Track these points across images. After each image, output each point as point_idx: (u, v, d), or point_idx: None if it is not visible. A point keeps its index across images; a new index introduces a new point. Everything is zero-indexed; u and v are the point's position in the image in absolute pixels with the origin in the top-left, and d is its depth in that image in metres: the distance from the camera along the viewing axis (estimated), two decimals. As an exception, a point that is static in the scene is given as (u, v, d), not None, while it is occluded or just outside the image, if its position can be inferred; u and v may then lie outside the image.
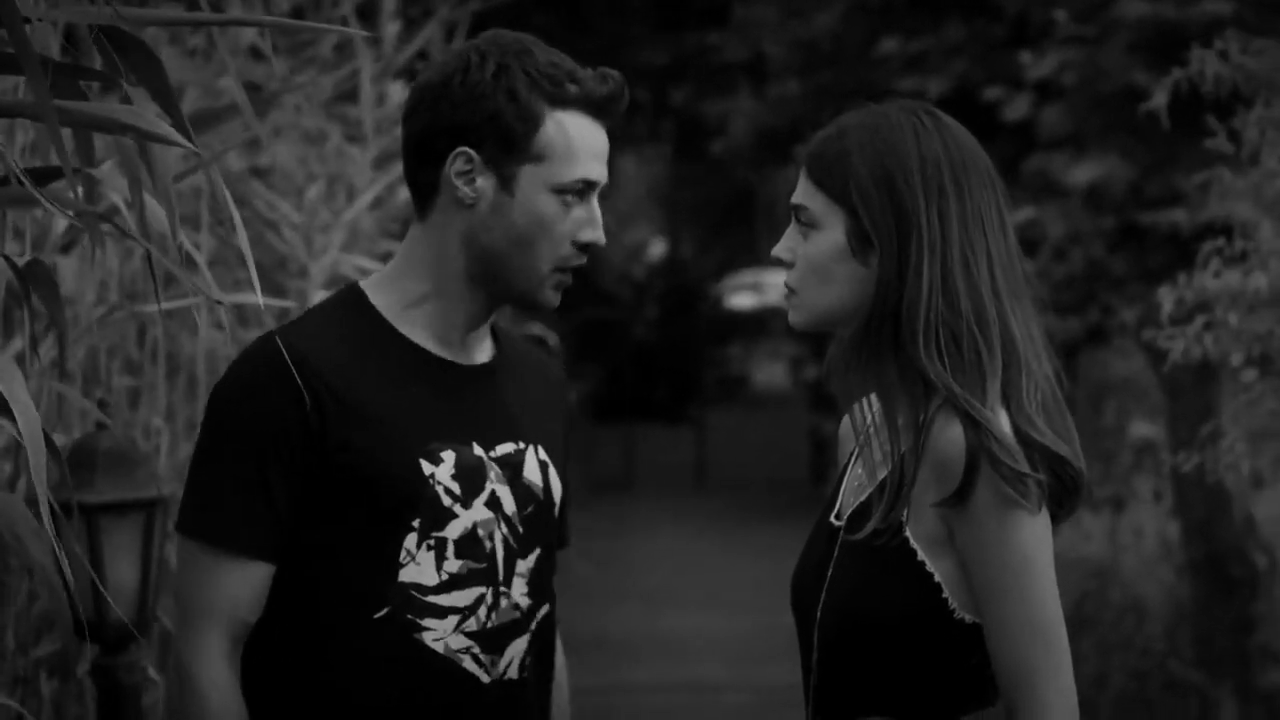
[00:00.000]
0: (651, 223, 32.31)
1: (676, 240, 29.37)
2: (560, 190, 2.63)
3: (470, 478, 2.64)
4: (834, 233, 2.56)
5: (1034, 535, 2.48)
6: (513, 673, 2.66)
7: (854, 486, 2.63)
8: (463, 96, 2.62)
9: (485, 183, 2.63)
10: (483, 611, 2.63)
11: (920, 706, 2.53)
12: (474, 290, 2.67)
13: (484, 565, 2.64)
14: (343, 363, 2.61)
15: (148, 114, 2.32)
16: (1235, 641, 6.95)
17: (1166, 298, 4.83)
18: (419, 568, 2.60)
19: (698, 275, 27.10)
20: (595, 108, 2.65)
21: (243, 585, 2.58)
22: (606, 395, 21.42)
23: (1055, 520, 2.54)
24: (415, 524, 2.61)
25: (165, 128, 2.31)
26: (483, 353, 2.73)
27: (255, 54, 5.68)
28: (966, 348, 2.51)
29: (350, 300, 2.69)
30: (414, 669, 2.60)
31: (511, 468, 2.69)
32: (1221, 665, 6.95)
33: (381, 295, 2.68)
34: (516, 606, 2.66)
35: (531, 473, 2.71)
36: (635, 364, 23.69)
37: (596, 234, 2.67)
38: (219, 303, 2.54)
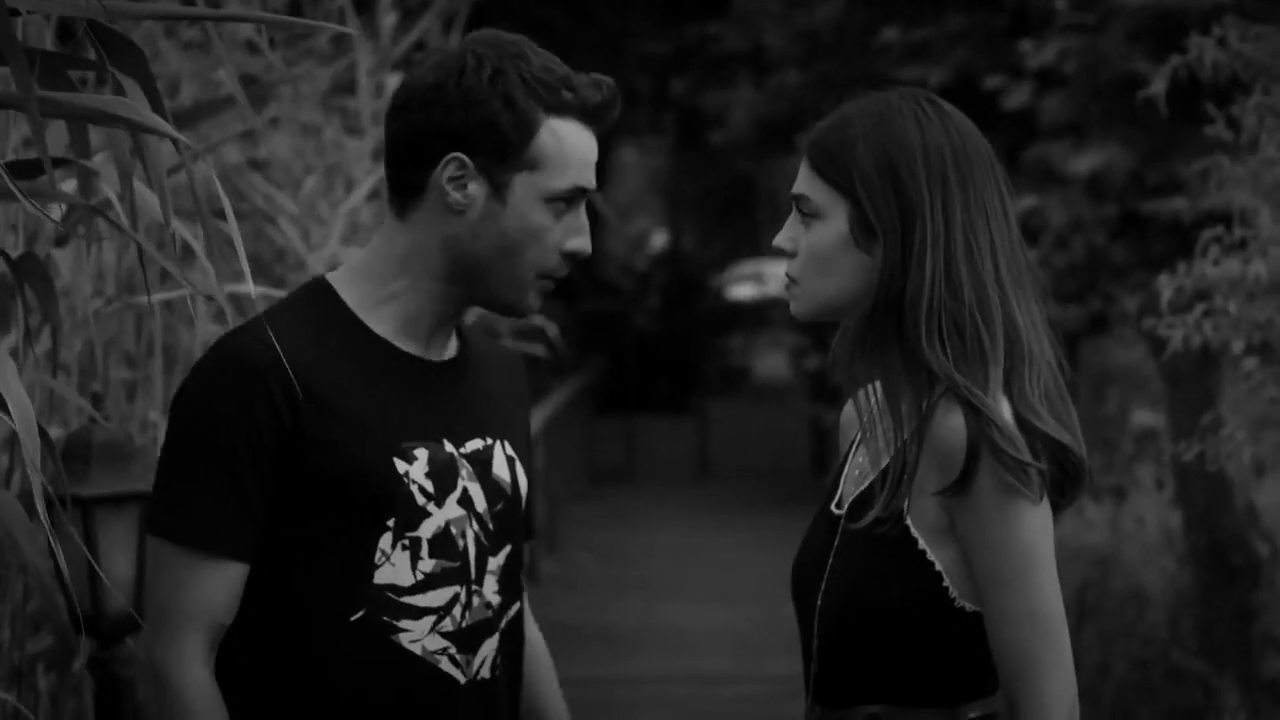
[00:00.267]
0: (653, 214, 32.33)
1: (678, 231, 29.40)
2: (553, 199, 2.60)
3: (443, 475, 2.61)
4: (837, 222, 2.56)
5: (1035, 524, 2.48)
6: (485, 672, 2.63)
7: (855, 475, 2.62)
8: (457, 100, 2.57)
9: (477, 189, 2.59)
10: (457, 611, 2.60)
11: (921, 695, 2.53)
12: (450, 291, 2.63)
13: (457, 564, 2.61)
14: (314, 359, 2.56)
15: (139, 105, 2.31)
16: (1237, 630, 6.94)
17: (1166, 286, 4.83)
18: (394, 568, 2.57)
19: (699, 266, 27.13)
20: (589, 115, 2.62)
21: (219, 587, 2.54)
22: (608, 386, 21.41)
23: (1057, 509, 2.53)
24: (390, 524, 2.57)
25: (156, 119, 2.30)
26: (449, 348, 2.69)
27: (252, 47, 5.67)
28: (969, 336, 2.51)
29: (318, 295, 2.64)
30: (393, 672, 2.57)
31: (481, 464, 2.66)
32: (1224, 654, 6.94)
33: (350, 290, 2.64)
34: (488, 605, 2.63)
35: (500, 468, 2.68)
36: (637, 355, 23.70)
37: (584, 243, 2.63)
38: (211, 297, 2.52)
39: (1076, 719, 2.50)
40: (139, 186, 2.67)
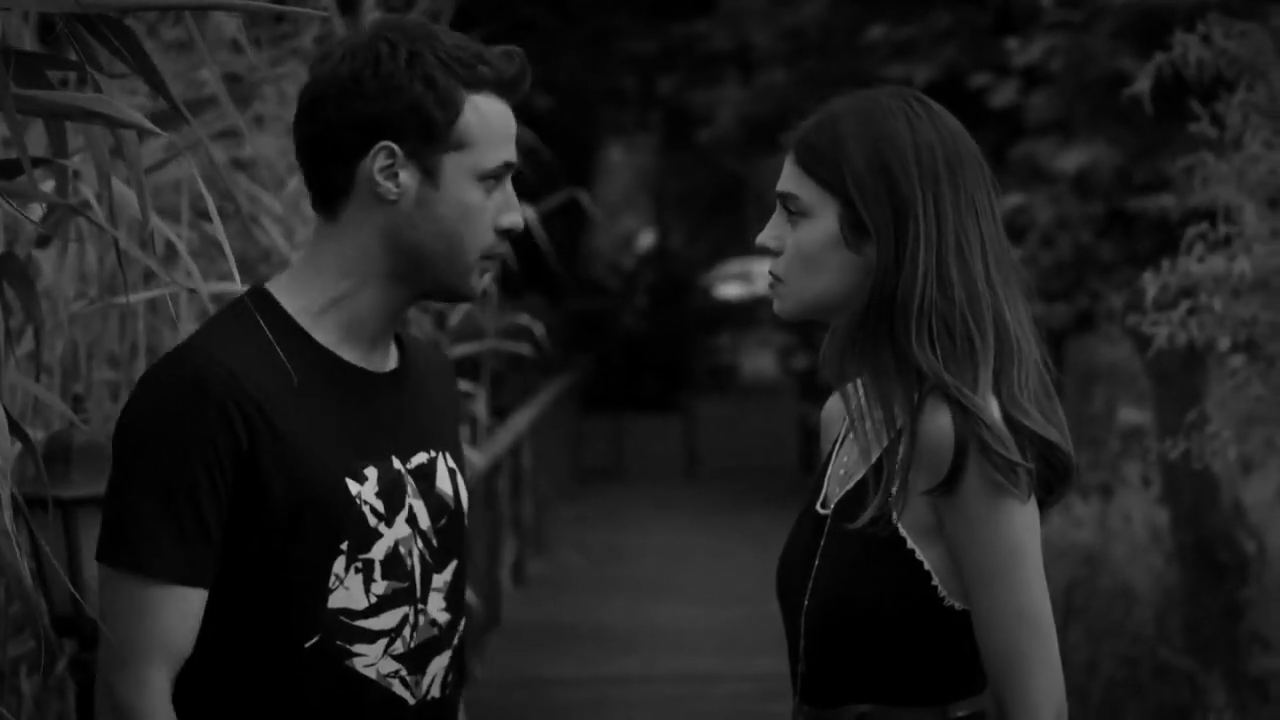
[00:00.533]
0: (640, 213, 32.32)
1: (665, 230, 29.38)
2: (484, 176, 2.55)
3: (391, 494, 2.55)
4: (826, 221, 2.54)
5: (1023, 523, 2.47)
6: (435, 691, 2.58)
7: (840, 475, 2.61)
8: (377, 89, 2.51)
9: (408, 177, 2.53)
10: (407, 632, 2.55)
11: (909, 694, 2.52)
12: (395, 288, 2.57)
13: (406, 584, 2.55)
14: (263, 376, 2.50)
15: (117, 101, 2.29)
16: (1224, 627, 6.95)
17: (1151, 283, 4.82)
18: (348, 592, 2.51)
19: (686, 265, 27.12)
20: (506, 88, 2.57)
21: (181, 616, 2.46)
22: (595, 385, 21.40)
23: (1044, 506, 2.53)
24: (344, 547, 2.51)
25: (134, 114, 2.28)
26: (391, 357, 2.63)
27: (236, 47, 5.66)
28: (959, 336, 2.50)
29: (259, 306, 2.56)
30: (347, 698, 2.51)
31: (425, 479, 2.60)
32: (1211, 651, 6.95)
33: (292, 299, 2.57)
34: (434, 623, 2.58)
35: (443, 482, 2.62)
36: (624, 354, 23.70)
37: (516, 218, 2.59)
38: (193, 291, 2.49)
39: (1064, 717, 2.50)
40: (118, 185, 2.65)
